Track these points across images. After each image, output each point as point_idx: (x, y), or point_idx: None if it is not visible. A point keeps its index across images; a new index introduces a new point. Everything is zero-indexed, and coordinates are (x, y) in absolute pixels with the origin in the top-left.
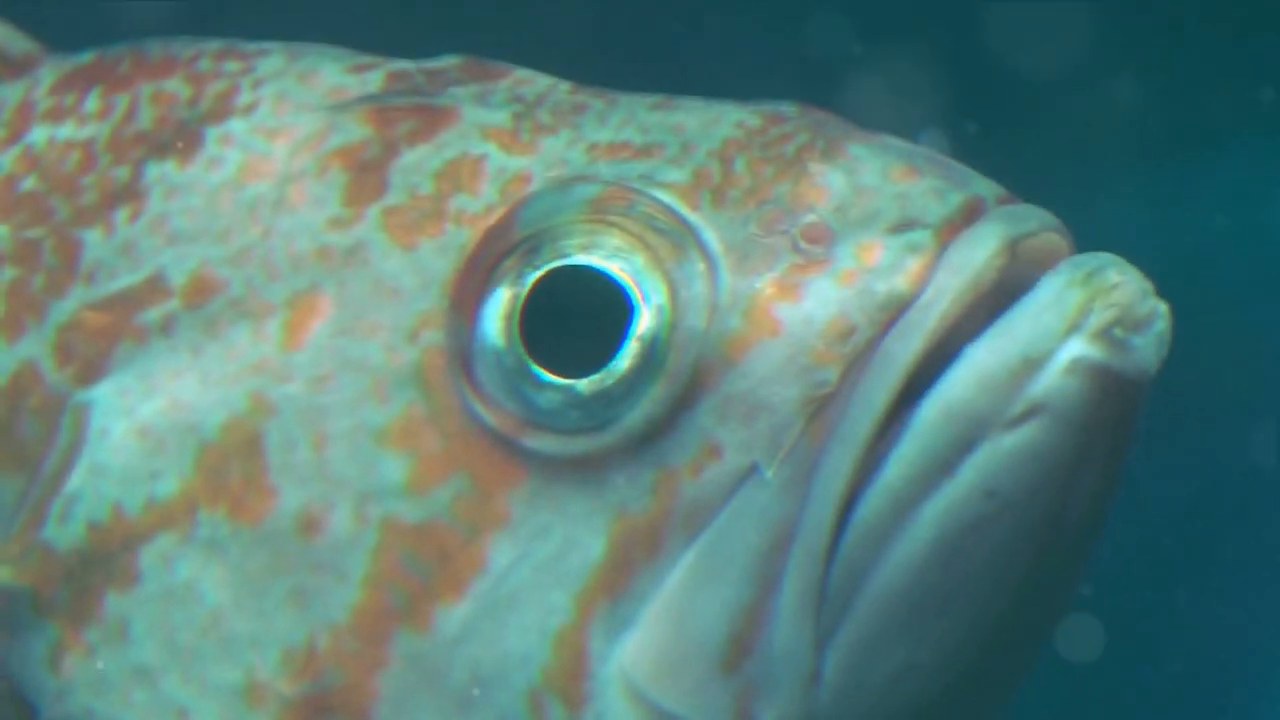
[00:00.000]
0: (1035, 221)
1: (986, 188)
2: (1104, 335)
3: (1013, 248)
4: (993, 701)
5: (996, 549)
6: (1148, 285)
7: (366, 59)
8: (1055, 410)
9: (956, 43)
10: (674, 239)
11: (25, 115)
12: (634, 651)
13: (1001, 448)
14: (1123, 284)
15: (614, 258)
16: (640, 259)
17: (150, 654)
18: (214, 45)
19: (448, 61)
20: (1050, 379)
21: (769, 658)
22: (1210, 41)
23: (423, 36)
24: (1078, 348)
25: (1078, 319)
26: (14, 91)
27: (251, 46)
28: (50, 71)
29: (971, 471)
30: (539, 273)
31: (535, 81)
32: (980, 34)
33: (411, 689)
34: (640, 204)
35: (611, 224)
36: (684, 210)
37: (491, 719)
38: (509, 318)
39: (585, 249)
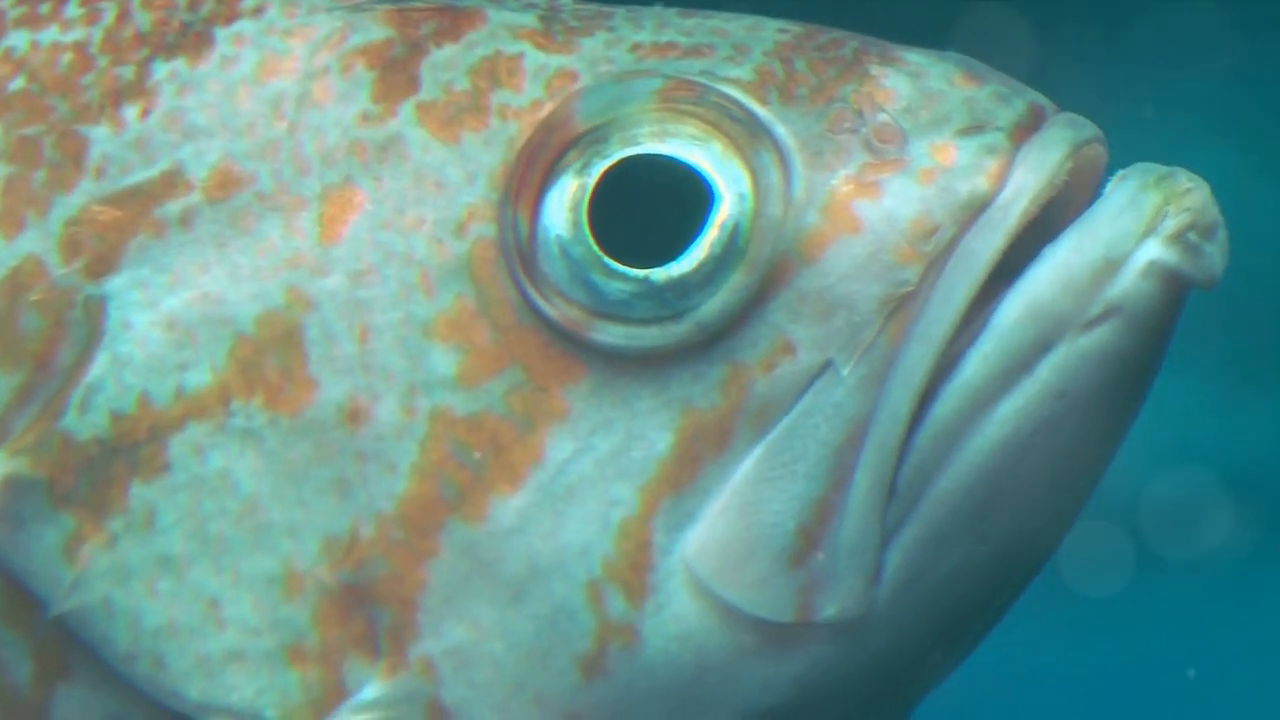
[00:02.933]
0: (1092, 130)
1: (1040, 96)
2: (1180, 239)
3: (1077, 152)
4: (1013, 601)
5: (1060, 450)
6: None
7: None
8: (1129, 313)
9: None
10: (749, 129)
11: None
12: (698, 545)
13: (1077, 348)
14: (1194, 189)
15: (691, 145)
16: (718, 145)
17: (178, 543)
18: None
19: None
20: (1127, 281)
21: (835, 552)
22: None
23: None
24: (1154, 250)
25: (1154, 222)
26: None
27: None
28: None
29: (1048, 371)
30: (608, 162)
31: None
32: None
33: (463, 579)
34: (710, 95)
35: (684, 113)
36: (753, 104)
37: (547, 609)
38: (575, 208)
39: (658, 137)
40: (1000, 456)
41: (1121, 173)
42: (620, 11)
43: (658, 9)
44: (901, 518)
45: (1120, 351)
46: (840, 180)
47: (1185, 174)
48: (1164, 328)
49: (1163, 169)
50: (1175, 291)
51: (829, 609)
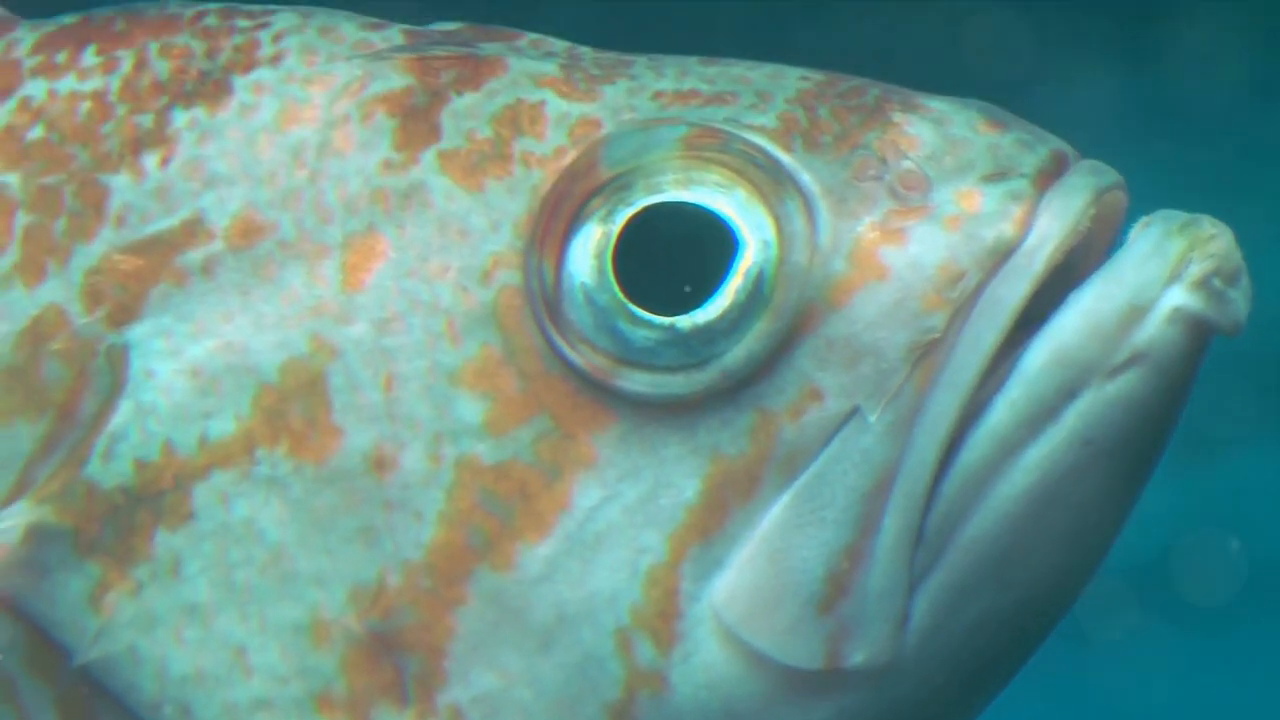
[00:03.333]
0: (1113, 176)
1: (1062, 142)
2: (1204, 285)
3: (1100, 198)
4: (1037, 647)
5: (1085, 497)
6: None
7: (375, 19)
8: (1154, 359)
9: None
10: (774, 176)
11: (12, 72)
12: (726, 592)
13: (1104, 396)
14: (1219, 235)
15: (715, 193)
16: (742, 193)
17: (204, 591)
18: (214, 5)
19: (452, 25)
20: (1153, 327)
21: (863, 599)
22: None
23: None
24: (1179, 297)
25: (1179, 268)
26: None
27: (255, 7)
28: (28, 33)
29: (1074, 419)
30: (633, 209)
31: (553, 42)
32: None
33: (491, 627)
34: (734, 142)
35: (709, 160)
36: (778, 152)
37: (576, 657)
38: (600, 255)
39: (682, 185)
40: (1027, 504)
41: (1145, 219)
42: (641, 59)
43: (679, 57)
44: (929, 565)
45: (1145, 398)
46: (866, 227)
47: (1209, 220)
48: (1188, 374)
49: (1186, 215)
50: (1200, 338)
51: (857, 656)
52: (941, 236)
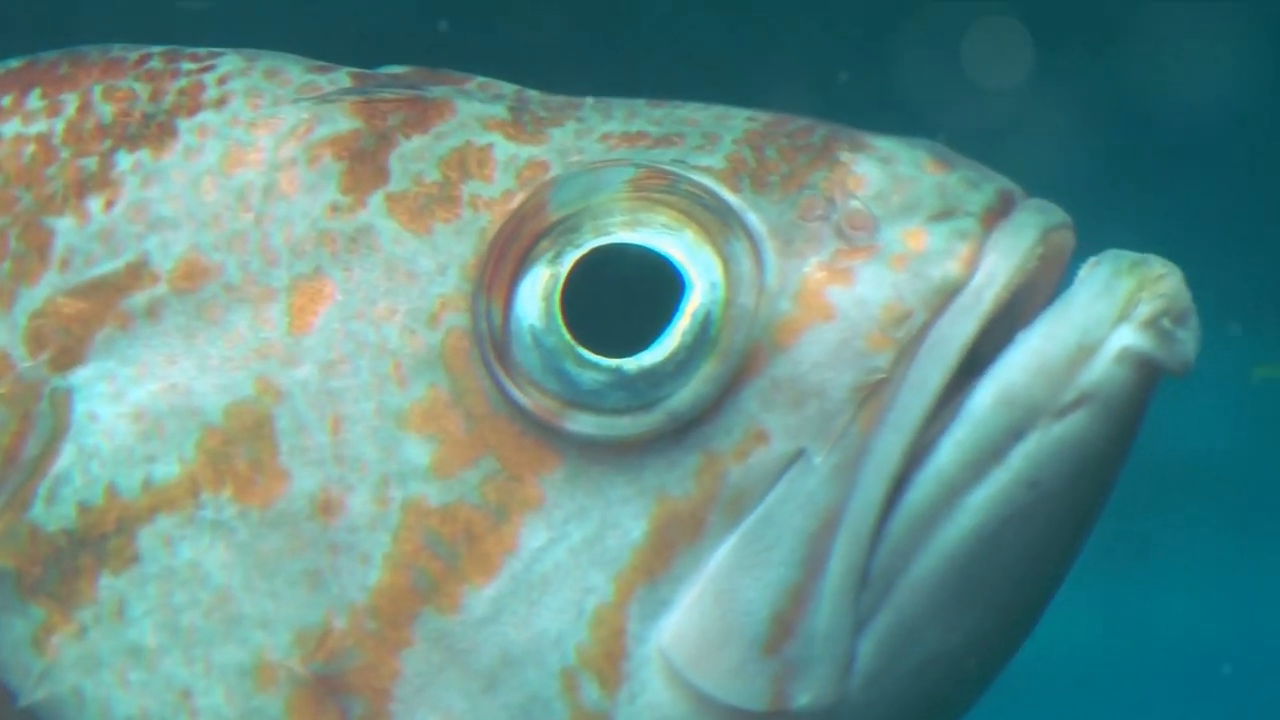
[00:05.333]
0: (1060, 215)
1: (1009, 181)
2: (1153, 325)
3: (1047, 237)
4: (988, 685)
5: (1032, 540)
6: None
7: (322, 63)
8: (1102, 400)
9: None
10: (721, 217)
11: None
12: (673, 633)
13: (1050, 437)
14: (1168, 275)
15: (663, 234)
16: (690, 234)
17: (149, 634)
18: (158, 49)
19: (400, 69)
20: (1101, 368)
21: (809, 640)
22: None
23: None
24: (1128, 337)
25: (1128, 308)
26: None
27: (200, 50)
28: None
29: (1021, 460)
30: (581, 251)
31: (500, 85)
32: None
33: (436, 669)
34: (681, 184)
35: (656, 201)
36: (725, 193)
37: (521, 698)
38: (548, 298)
39: (630, 226)
40: (972, 545)
41: (1093, 259)
42: (589, 101)
43: (626, 100)
44: (874, 606)
45: (1092, 440)
46: (813, 267)
47: (1159, 260)
48: (1136, 415)
49: (1135, 255)
50: (1148, 378)
51: (802, 698)
52: (888, 275)
